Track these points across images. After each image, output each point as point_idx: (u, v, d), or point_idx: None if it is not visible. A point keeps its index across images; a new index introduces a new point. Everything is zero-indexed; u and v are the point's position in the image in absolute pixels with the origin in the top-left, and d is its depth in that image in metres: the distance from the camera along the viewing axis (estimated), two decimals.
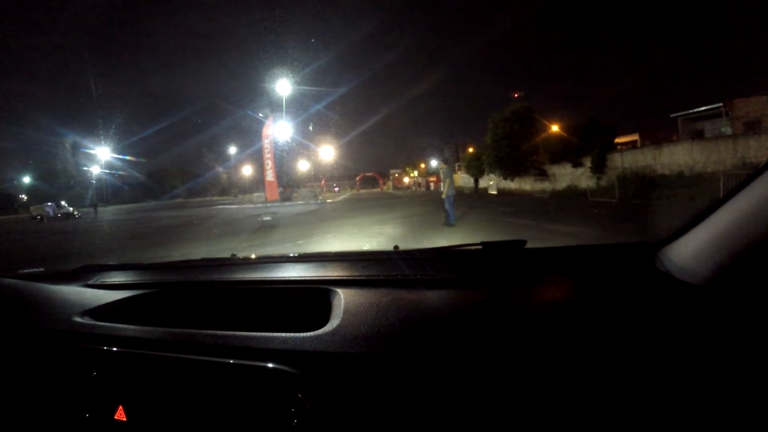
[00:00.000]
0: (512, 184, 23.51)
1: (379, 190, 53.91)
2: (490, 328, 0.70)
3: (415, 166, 62.14)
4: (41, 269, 1.38)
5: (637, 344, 0.60)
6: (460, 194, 12.39)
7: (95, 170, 40.68)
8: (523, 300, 0.81)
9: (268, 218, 12.68)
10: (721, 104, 18.17)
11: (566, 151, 19.89)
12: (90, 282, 1.20)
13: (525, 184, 22.98)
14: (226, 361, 0.70)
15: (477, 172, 27.34)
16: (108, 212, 26.25)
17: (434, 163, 48.96)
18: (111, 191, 43.35)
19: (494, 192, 23.15)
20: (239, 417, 0.64)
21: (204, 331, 0.78)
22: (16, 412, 0.79)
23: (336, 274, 1.04)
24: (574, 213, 10.33)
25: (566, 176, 20.20)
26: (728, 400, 0.51)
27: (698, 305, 0.65)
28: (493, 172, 24.31)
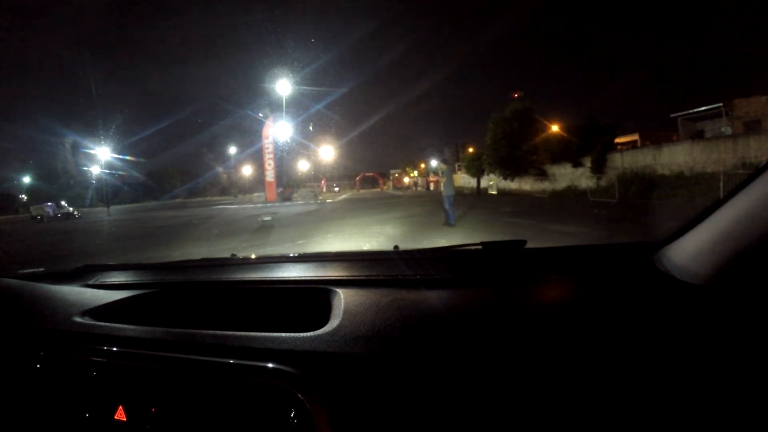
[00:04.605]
0: (512, 184, 23.49)
1: (379, 190, 53.99)
2: (489, 328, 0.70)
3: (415, 166, 62.11)
4: (41, 269, 1.38)
5: (637, 344, 0.60)
6: (460, 194, 12.39)
7: (95, 170, 40.67)
8: (523, 300, 0.81)
9: (268, 218, 12.72)
10: (721, 104, 18.14)
11: (566, 151, 19.86)
12: (90, 282, 1.20)
13: (525, 184, 22.96)
14: (226, 361, 0.70)
15: (477, 172, 27.32)
16: (108, 212, 26.42)
17: (434, 163, 48.89)
18: (111, 191, 43.29)
19: (494, 192, 23.15)
20: (239, 417, 0.64)
21: (204, 331, 0.77)
22: (17, 412, 0.79)
23: (336, 274, 1.04)
24: (574, 213, 10.33)
25: (566, 176, 20.18)
26: (728, 400, 0.51)
27: (698, 305, 0.65)
28: (493, 172, 24.28)
